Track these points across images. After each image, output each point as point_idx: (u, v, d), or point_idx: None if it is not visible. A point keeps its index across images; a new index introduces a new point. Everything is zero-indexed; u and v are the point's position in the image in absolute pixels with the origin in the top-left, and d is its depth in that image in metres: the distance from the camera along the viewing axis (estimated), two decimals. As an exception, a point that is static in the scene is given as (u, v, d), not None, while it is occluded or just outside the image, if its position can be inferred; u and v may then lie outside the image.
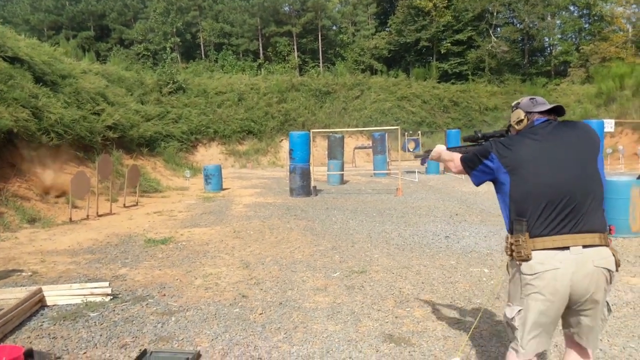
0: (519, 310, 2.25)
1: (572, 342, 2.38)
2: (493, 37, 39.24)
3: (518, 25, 41.15)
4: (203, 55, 40.15)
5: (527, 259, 2.18)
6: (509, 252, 2.30)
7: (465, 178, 9.94)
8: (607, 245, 2.19)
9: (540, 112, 2.37)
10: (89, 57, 24.48)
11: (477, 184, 2.52)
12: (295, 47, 40.25)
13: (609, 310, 2.30)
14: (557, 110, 2.38)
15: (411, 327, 3.83)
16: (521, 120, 2.41)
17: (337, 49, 41.47)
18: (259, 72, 35.12)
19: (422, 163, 3.26)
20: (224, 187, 14.29)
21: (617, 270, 2.21)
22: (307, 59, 40.37)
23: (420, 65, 39.26)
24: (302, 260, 5.91)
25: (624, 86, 25.10)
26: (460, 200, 11.34)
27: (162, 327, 3.92)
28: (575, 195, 2.17)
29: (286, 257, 6.04)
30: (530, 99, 2.43)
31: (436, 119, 32.49)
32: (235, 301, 4.47)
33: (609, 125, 12.02)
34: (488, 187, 10.80)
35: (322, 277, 5.20)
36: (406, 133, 22.78)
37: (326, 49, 41.31)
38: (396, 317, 4.03)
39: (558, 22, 40.43)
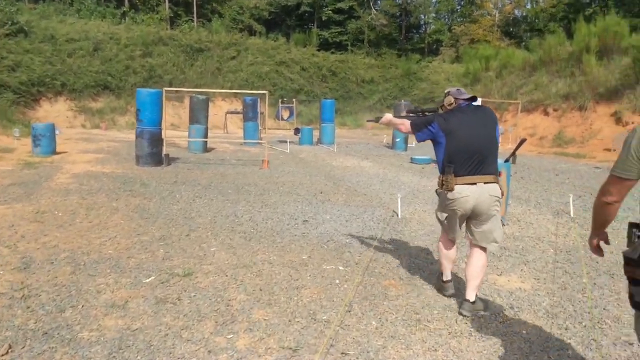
0: (446, 217, 3.69)
1: (473, 245, 3.71)
2: (373, 9, 39.34)
3: (397, 0, 41.71)
4: (56, -4, 34.92)
5: (452, 189, 3.51)
6: (439, 185, 3.64)
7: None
8: (497, 183, 3.53)
9: (464, 99, 3.65)
10: None
11: (420, 140, 3.82)
12: (166, -2, 36.66)
13: (503, 224, 4.02)
14: (472, 98, 3.70)
15: (226, 370, 2.73)
16: (451, 104, 3.68)
17: (214, 4, 38.62)
18: (123, 20, 31.41)
19: (376, 121, 4.24)
20: (58, 150, 12.04)
21: (502, 197, 3.58)
22: (180, 12, 37.03)
23: (300, 31, 38.10)
24: (111, 256, 4.53)
25: (488, 68, 26.35)
26: (328, 175, 10.56)
27: None
28: (482, 151, 3.49)
29: (91, 252, 4.61)
30: (457, 89, 3.73)
31: (314, 88, 31.81)
32: (-26, 332, 3.02)
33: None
34: (358, 162, 10.03)
35: (129, 283, 3.91)
36: (280, 100, 21.66)
37: (202, 3, 38.24)
38: (209, 352, 2.91)
39: (433, 0, 41.72)
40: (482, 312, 3.62)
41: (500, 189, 3.56)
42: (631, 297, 1.93)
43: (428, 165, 12.68)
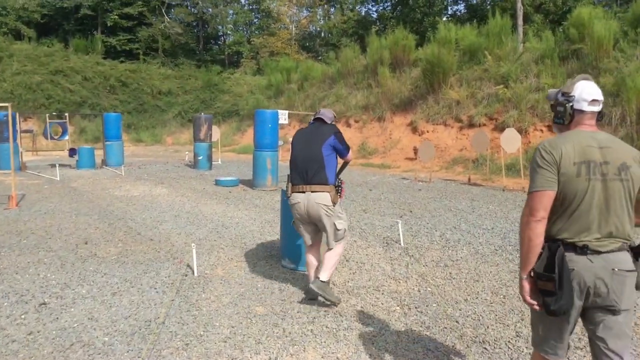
0: (293, 221, 4.18)
1: (316, 246, 4.27)
2: (166, 17, 36.43)
3: (192, 9, 39.46)
4: None
5: (290, 196, 4.06)
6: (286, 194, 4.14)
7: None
8: (328, 192, 3.94)
9: (314, 119, 4.32)
10: None
11: None
12: None
13: (337, 229, 4.02)
14: (318, 119, 4.30)
15: None
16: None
17: (-34, 1, 31.51)
18: None
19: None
20: None
21: (334, 205, 3.97)
22: None
23: (82, 37, 33.23)
24: None
25: (290, 80, 25.89)
26: (104, 212, 8.06)
27: None
28: (307, 163, 3.99)
29: None
30: (318, 111, 4.36)
31: (101, 100, 27.73)
32: None
33: (283, 116, 10.80)
34: (150, 188, 6.74)
35: None
36: (47, 115, 17.79)
37: (-52, 0, 30.89)
38: None
39: (230, 12, 40.52)
40: (326, 297, 3.97)
41: (331, 197, 3.96)
42: (547, 306, 2.05)
43: (235, 188, 10.95)
